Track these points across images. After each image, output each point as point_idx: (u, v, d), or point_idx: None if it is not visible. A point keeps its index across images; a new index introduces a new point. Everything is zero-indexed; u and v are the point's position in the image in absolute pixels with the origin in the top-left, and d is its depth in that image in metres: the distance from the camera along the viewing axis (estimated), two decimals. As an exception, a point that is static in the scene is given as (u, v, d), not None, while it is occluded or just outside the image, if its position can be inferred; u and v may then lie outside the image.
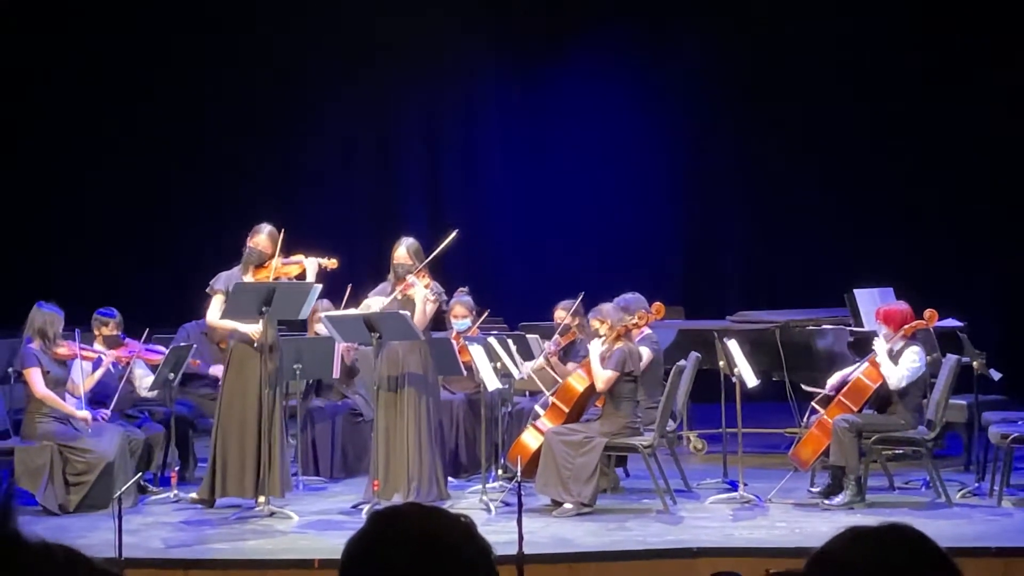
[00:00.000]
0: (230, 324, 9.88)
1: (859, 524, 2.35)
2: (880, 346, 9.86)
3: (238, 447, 9.79)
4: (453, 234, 10.07)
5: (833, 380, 10.17)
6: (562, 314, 11.17)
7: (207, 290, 10.00)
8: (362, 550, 2.30)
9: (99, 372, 10.29)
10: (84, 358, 10.16)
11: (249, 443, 9.77)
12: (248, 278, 9.91)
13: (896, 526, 2.33)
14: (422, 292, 9.87)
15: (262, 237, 9.98)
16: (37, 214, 15.55)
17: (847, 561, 2.29)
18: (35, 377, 9.88)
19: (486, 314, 11.53)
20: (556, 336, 11.03)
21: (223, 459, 9.82)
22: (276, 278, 9.82)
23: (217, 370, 10.83)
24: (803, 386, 10.30)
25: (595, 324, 9.95)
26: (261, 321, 9.73)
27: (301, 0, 15.83)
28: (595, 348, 9.87)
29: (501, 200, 16.26)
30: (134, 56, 15.54)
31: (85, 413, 10.05)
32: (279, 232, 9.94)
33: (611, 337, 9.82)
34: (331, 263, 9.93)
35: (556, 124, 16.30)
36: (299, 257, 10.01)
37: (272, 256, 9.92)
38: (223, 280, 9.96)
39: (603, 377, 9.74)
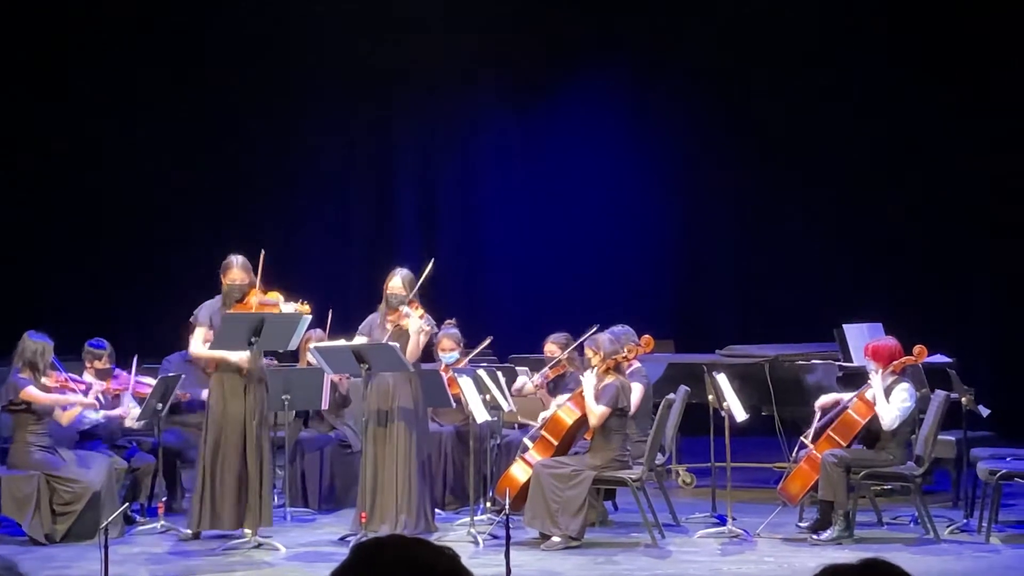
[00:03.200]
0: (217, 354, 9.83)
1: (837, 562, 2.34)
2: (877, 386, 9.84)
3: (225, 479, 9.75)
4: (430, 264, 10.06)
5: (826, 399, 10.17)
6: (552, 347, 11.15)
7: (191, 320, 9.97)
8: (345, 581, 2.30)
9: (80, 406, 10.26)
10: (71, 389, 10.14)
11: (235, 475, 9.73)
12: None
13: (873, 562, 2.33)
14: (417, 324, 9.86)
15: (236, 271, 9.85)
16: (26, 242, 15.53)
17: None
18: (34, 392, 9.85)
19: (488, 340, 11.47)
20: (545, 369, 11.01)
21: (211, 492, 9.78)
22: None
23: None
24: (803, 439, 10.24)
25: (589, 354, 9.94)
26: (247, 353, 9.71)
27: (298, 32, 15.85)
28: (588, 381, 9.84)
29: (494, 232, 16.27)
30: (129, 84, 15.55)
31: (92, 400, 10.09)
32: (256, 257, 9.85)
33: (602, 369, 9.81)
34: (304, 309, 9.86)
35: (549, 157, 16.32)
36: (277, 297, 9.89)
37: (251, 285, 9.87)
38: (205, 311, 9.89)
39: (597, 413, 9.72)
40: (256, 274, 9.82)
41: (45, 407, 9.96)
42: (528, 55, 16.08)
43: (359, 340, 10.00)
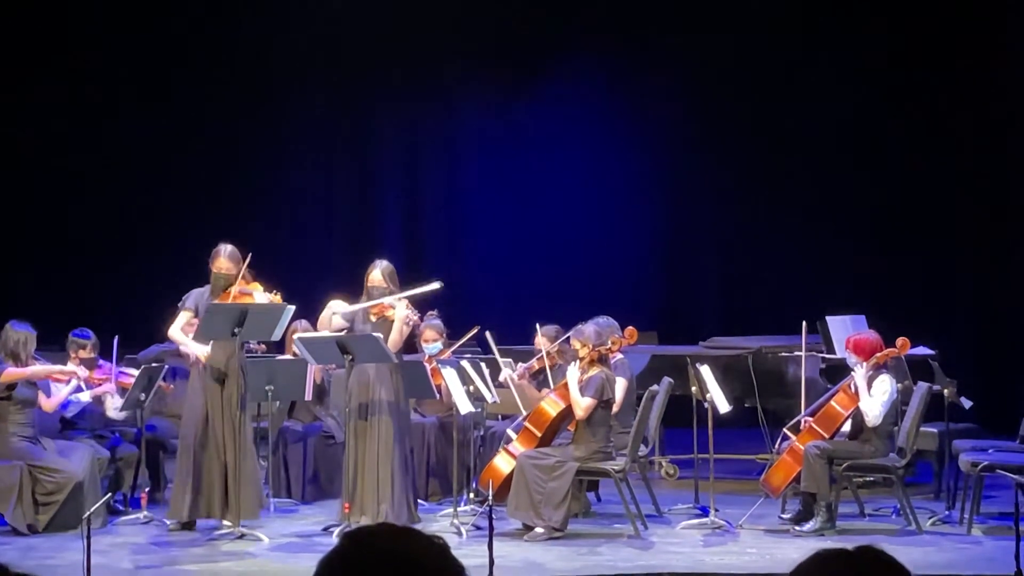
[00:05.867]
0: (181, 340, 9.90)
1: (828, 547, 2.36)
2: (860, 380, 9.86)
3: (205, 469, 9.77)
4: (437, 285, 10.06)
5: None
6: (543, 340, 11.12)
7: (178, 304, 10.01)
8: (334, 569, 2.30)
9: (68, 389, 10.25)
10: (55, 379, 10.12)
11: (214, 464, 9.75)
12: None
13: (866, 548, 2.35)
14: (402, 313, 9.85)
15: (223, 260, 9.94)
16: (7, 232, 15.50)
17: None
18: (12, 371, 9.81)
19: (475, 330, 11.44)
20: (532, 360, 10.99)
21: (182, 480, 9.82)
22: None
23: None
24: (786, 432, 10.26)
25: (575, 345, 9.94)
26: (211, 345, 9.73)
27: (281, 28, 15.81)
28: (572, 373, 9.84)
29: (477, 224, 16.26)
30: (115, 77, 15.52)
31: (74, 370, 10.09)
32: (244, 255, 9.89)
33: (587, 361, 9.82)
34: (276, 298, 9.89)
35: (534, 151, 16.31)
36: (255, 288, 9.95)
37: (237, 276, 9.90)
38: (193, 298, 9.97)
39: (583, 405, 9.73)
40: (240, 268, 9.88)
41: (29, 395, 9.94)
42: (512, 46, 16.07)
43: (347, 308, 10.00)
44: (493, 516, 7.91)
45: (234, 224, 14.52)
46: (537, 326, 11.09)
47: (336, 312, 9.94)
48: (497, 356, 10.90)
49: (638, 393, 10.62)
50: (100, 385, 10.51)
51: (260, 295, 9.85)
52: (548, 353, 10.89)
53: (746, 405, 11.90)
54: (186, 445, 9.84)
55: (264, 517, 10.31)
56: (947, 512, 10.27)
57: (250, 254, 9.90)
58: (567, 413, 9.97)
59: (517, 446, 10.11)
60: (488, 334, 10.94)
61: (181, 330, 9.92)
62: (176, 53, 15.63)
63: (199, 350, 9.79)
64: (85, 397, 10.45)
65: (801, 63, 15.55)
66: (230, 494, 9.70)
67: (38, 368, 9.97)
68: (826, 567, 2.33)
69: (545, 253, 16.04)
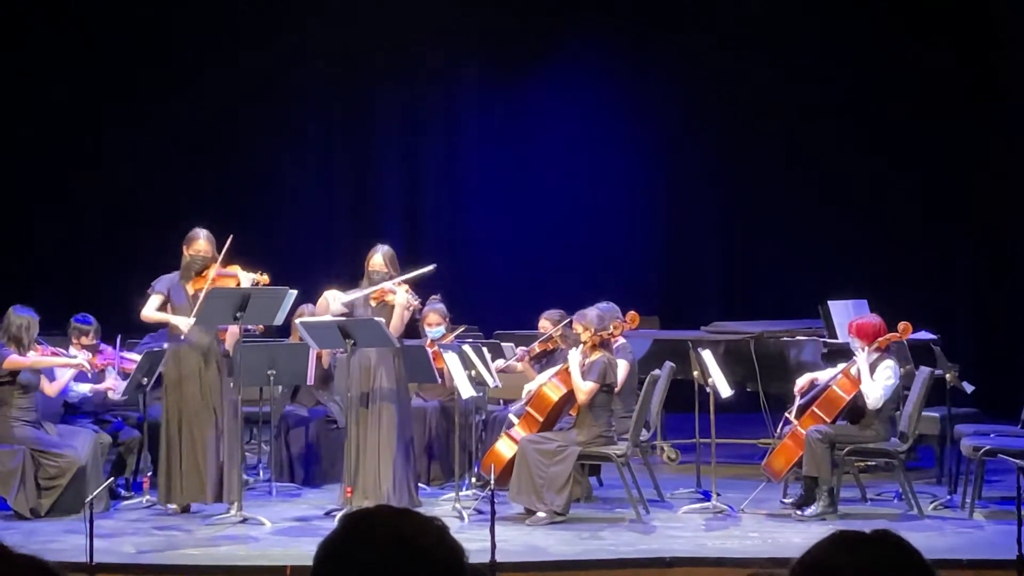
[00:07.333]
0: (160, 316, 9.90)
1: (846, 529, 2.37)
2: (862, 364, 9.86)
3: (180, 454, 9.82)
4: (431, 268, 10.08)
5: (802, 382, 10.18)
6: (546, 323, 11.13)
7: (148, 290, 9.99)
8: (334, 551, 2.31)
9: (70, 373, 10.26)
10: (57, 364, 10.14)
11: (192, 450, 9.78)
12: (189, 287, 9.90)
13: (884, 532, 2.36)
14: (403, 298, 9.85)
15: (202, 242, 9.96)
16: (10, 219, 15.50)
17: (833, 564, 2.31)
18: (15, 359, 9.82)
19: (462, 328, 11.49)
20: (534, 344, 10.99)
21: (164, 466, 9.87)
22: (212, 286, 9.77)
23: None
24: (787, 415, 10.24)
25: (578, 329, 9.94)
26: (192, 318, 9.73)
27: (280, 11, 15.80)
28: (574, 358, 9.84)
29: (479, 210, 16.25)
30: (112, 64, 15.50)
31: (80, 361, 10.09)
32: (227, 239, 9.85)
33: (589, 346, 9.82)
34: (263, 279, 9.88)
35: (535, 135, 16.30)
36: (236, 270, 9.93)
37: (214, 260, 9.90)
38: (164, 282, 9.97)
39: (585, 390, 9.72)
40: (220, 253, 9.86)
41: (32, 380, 9.95)
42: (511, 30, 16.05)
43: (345, 297, 10.00)
44: (495, 500, 7.92)
45: (235, 211, 14.55)
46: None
47: (337, 300, 9.93)
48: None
49: (640, 378, 10.62)
50: (102, 371, 10.53)
51: (244, 275, 9.84)
52: (551, 337, 10.90)
53: (748, 390, 11.90)
54: (168, 432, 9.88)
55: (267, 499, 10.33)
56: (949, 497, 10.27)
57: (231, 237, 9.85)
58: (569, 397, 9.97)
59: (519, 430, 10.11)
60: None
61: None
62: (176, 39, 15.60)
63: (181, 322, 9.80)
64: (86, 388, 10.45)
65: (803, 50, 15.52)
66: (209, 478, 9.73)
67: (40, 358, 9.97)
68: (843, 549, 2.34)
69: (547, 238, 16.04)
